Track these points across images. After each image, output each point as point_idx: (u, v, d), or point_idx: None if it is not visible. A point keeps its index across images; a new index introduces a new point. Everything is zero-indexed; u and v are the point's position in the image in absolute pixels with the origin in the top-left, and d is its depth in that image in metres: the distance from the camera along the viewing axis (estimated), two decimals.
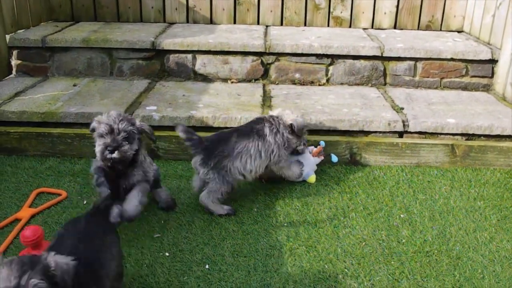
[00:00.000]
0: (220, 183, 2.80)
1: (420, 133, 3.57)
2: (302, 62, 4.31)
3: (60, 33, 4.45)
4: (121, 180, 2.53)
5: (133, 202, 2.46)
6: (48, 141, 3.43)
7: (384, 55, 4.26)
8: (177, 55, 4.30)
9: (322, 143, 3.37)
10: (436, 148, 3.43)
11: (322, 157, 3.30)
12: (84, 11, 5.02)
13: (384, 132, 3.58)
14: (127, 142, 2.44)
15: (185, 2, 4.99)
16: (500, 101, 4.01)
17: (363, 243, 2.62)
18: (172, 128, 3.52)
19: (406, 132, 3.57)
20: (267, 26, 5.02)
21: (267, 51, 4.26)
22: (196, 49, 4.27)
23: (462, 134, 3.57)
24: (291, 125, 3.03)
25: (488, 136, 3.56)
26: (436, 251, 2.56)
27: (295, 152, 3.18)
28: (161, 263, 2.43)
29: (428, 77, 4.33)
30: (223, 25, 4.99)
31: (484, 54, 4.23)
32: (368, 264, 2.46)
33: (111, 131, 2.41)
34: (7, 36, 4.26)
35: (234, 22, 5.04)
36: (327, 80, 4.34)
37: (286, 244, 2.59)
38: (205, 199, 2.81)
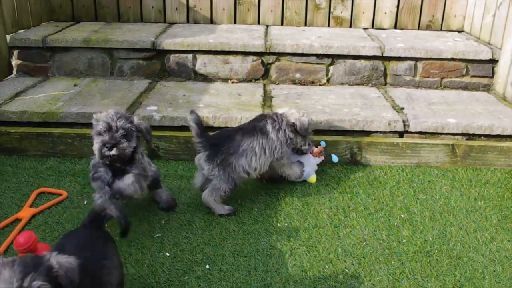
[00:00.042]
0: (225, 180, 2.80)
1: (420, 133, 3.57)
2: (302, 62, 4.31)
3: (61, 33, 4.45)
4: (119, 177, 2.53)
5: (126, 180, 2.49)
6: (49, 141, 3.43)
7: (385, 55, 4.26)
8: (177, 55, 4.30)
9: (323, 143, 3.37)
10: (436, 148, 3.44)
11: (323, 157, 3.30)
12: (85, 11, 5.02)
13: (384, 132, 3.58)
14: (125, 140, 2.44)
15: (185, 2, 4.99)
16: (500, 101, 4.01)
17: (364, 243, 2.62)
18: (172, 128, 3.53)
19: (407, 132, 3.57)
20: (267, 26, 5.02)
21: (268, 51, 4.26)
22: (196, 49, 4.27)
23: (462, 134, 3.57)
24: (293, 124, 3.04)
25: (489, 136, 3.56)
26: (436, 251, 2.57)
27: (300, 152, 3.19)
28: (161, 263, 2.43)
29: (428, 77, 4.33)
30: (223, 25, 4.99)
31: (485, 54, 4.23)
32: (368, 264, 2.46)
33: (109, 128, 2.42)
34: (8, 36, 4.26)
35: (235, 22, 5.04)
36: (328, 80, 4.34)
37: (287, 244, 2.60)
38: (207, 197, 2.81)
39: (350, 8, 5.00)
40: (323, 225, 2.77)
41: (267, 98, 3.95)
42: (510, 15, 4.09)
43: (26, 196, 2.96)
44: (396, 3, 4.98)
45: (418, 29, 5.03)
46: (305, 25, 5.05)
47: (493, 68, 4.28)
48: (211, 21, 5.04)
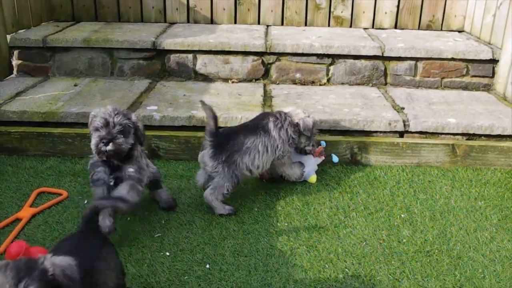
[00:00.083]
0: (228, 178, 2.79)
1: (420, 133, 3.57)
2: (303, 62, 4.31)
3: (61, 33, 4.45)
4: (116, 173, 2.53)
5: (123, 189, 2.46)
6: (49, 141, 3.43)
7: (385, 55, 4.26)
8: (177, 55, 4.30)
9: (323, 143, 3.37)
10: (436, 148, 3.43)
11: (323, 157, 3.30)
12: (85, 11, 5.02)
13: (384, 132, 3.58)
14: (122, 135, 2.44)
15: (185, 2, 4.99)
16: (500, 101, 4.01)
17: (364, 243, 2.62)
18: (173, 128, 3.53)
19: (407, 132, 3.57)
20: (267, 26, 5.02)
21: (268, 51, 4.26)
22: (196, 49, 4.27)
23: (462, 134, 3.57)
24: (297, 124, 3.04)
25: (489, 136, 3.56)
26: (436, 251, 2.56)
27: (303, 152, 3.19)
28: (161, 263, 2.43)
29: (428, 77, 4.33)
30: (223, 25, 4.99)
31: (485, 54, 4.23)
32: (368, 263, 2.46)
33: (106, 124, 2.42)
34: (8, 36, 4.26)
35: (235, 22, 5.04)
36: (328, 80, 4.34)
37: (287, 244, 2.60)
38: (209, 195, 2.81)
39: (351, 8, 5.00)
40: (323, 225, 2.77)
41: (267, 98, 3.95)
42: (511, 15, 4.09)
43: (26, 195, 2.96)
44: (397, 3, 4.98)
45: (419, 29, 5.03)
46: (306, 25, 5.05)
47: (493, 68, 4.28)
48: (212, 21, 5.04)
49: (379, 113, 3.66)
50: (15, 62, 4.34)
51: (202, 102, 2.80)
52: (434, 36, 4.72)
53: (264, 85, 4.25)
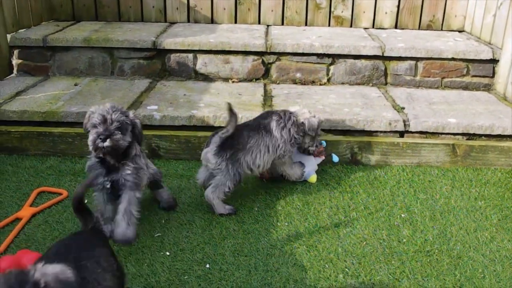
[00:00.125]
0: (230, 176, 2.79)
1: (421, 132, 3.57)
2: (303, 62, 4.31)
3: (61, 32, 4.46)
4: (113, 174, 2.51)
5: (121, 226, 2.48)
6: (49, 140, 3.43)
7: (385, 54, 4.25)
8: (178, 54, 4.30)
9: (323, 143, 3.37)
10: (437, 147, 3.43)
11: (323, 157, 3.30)
12: (85, 11, 5.02)
13: (385, 132, 3.58)
14: (119, 132, 2.43)
15: (186, 2, 4.99)
16: (501, 101, 4.01)
17: (364, 243, 2.62)
18: (173, 127, 3.53)
19: (407, 131, 3.57)
20: (268, 25, 5.02)
21: (268, 51, 4.26)
22: (197, 48, 4.27)
23: (463, 134, 3.56)
24: (302, 124, 3.04)
25: (489, 136, 3.56)
26: (436, 251, 2.56)
27: (306, 152, 3.19)
28: (161, 262, 2.43)
29: (429, 76, 4.33)
30: (224, 24, 4.99)
31: (485, 53, 4.23)
32: (368, 263, 2.46)
33: (104, 121, 2.42)
34: (8, 36, 4.26)
35: (235, 22, 5.04)
36: (328, 80, 4.34)
37: (287, 244, 2.60)
38: (210, 193, 2.80)
39: (351, 8, 5.00)
40: (323, 224, 2.77)
41: (267, 97, 3.95)
42: (511, 15, 4.09)
43: (26, 195, 2.96)
44: (397, 3, 4.97)
45: (419, 29, 5.03)
46: (306, 24, 5.05)
47: (493, 68, 4.28)
48: (212, 21, 5.04)
49: (380, 113, 3.66)
50: (15, 61, 4.35)
51: (229, 106, 2.74)
52: (435, 36, 4.72)
53: (265, 85, 4.25)
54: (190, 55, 4.30)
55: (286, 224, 2.77)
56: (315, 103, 3.81)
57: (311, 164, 3.22)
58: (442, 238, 2.67)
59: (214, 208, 2.81)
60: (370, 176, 3.29)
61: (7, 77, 4.27)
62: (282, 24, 5.06)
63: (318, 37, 4.48)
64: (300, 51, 4.25)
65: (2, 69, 4.22)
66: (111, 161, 2.51)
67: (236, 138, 2.83)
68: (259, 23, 5.05)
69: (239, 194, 3.02)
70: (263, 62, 4.31)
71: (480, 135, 3.56)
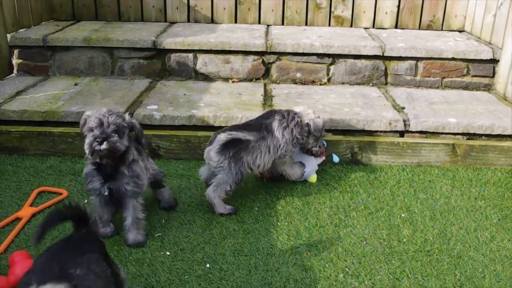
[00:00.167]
0: (233, 174, 2.80)
1: (421, 132, 3.57)
2: (303, 62, 4.31)
3: (61, 32, 4.46)
4: (110, 182, 2.50)
5: (132, 232, 2.55)
6: (49, 140, 3.43)
7: (385, 54, 4.25)
8: (178, 54, 4.30)
9: (324, 143, 3.37)
10: (437, 147, 3.43)
11: (324, 157, 3.30)
12: (85, 10, 5.02)
13: (385, 132, 3.58)
14: (116, 135, 2.42)
15: (186, 2, 4.99)
16: (501, 101, 4.01)
17: (364, 242, 2.62)
18: (173, 127, 3.53)
19: (407, 131, 3.57)
20: (268, 25, 5.02)
21: (268, 51, 4.26)
22: (197, 48, 4.27)
23: (463, 134, 3.56)
24: (307, 125, 3.04)
25: (489, 136, 3.56)
26: (437, 250, 2.56)
27: (310, 153, 3.19)
28: (162, 262, 2.43)
29: (429, 76, 4.33)
30: (224, 24, 4.99)
31: (485, 53, 4.23)
32: (369, 263, 2.46)
33: (100, 124, 2.40)
34: (8, 35, 4.26)
35: (235, 22, 5.04)
36: (328, 80, 4.34)
37: (287, 243, 2.59)
38: (212, 192, 2.80)
39: (351, 7, 5.00)
40: (323, 224, 2.77)
41: (267, 97, 3.95)
42: (511, 15, 4.08)
43: (27, 195, 2.96)
44: (397, 3, 4.97)
45: (419, 28, 5.03)
46: (306, 24, 5.05)
47: (494, 68, 4.28)
48: (212, 21, 5.04)
49: (380, 112, 3.66)
50: (15, 61, 4.34)
51: None
52: (435, 36, 4.72)
53: (265, 85, 4.25)
54: (190, 55, 4.30)
55: (286, 224, 2.77)
56: (315, 103, 3.81)
57: (312, 165, 3.22)
58: (442, 237, 2.67)
59: (214, 207, 2.81)
60: (370, 176, 3.29)
61: (7, 77, 4.27)
62: (282, 24, 5.06)
63: (318, 37, 4.48)
64: (300, 51, 4.25)
65: (2, 68, 4.22)
66: (108, 168, 2.48)
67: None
68: (259, 23, 5.05)
69: (239, 194, 3.02)
70: (263, 62, 4.31)
71: (480, 135, 3.56)
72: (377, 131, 3.57)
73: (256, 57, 4.29)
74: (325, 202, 2.98)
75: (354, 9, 5.01)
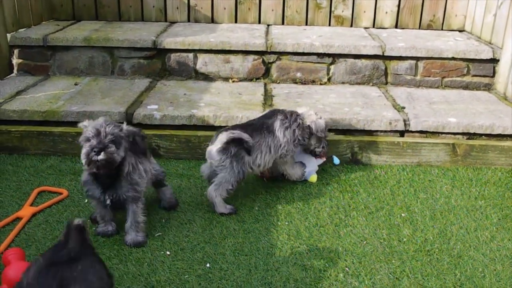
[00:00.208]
0: (234, 173, 2.80)
1: (421, 132, 3.57)
2: (303, 61, 4.31)
3: (61, 32, 4.46)
4: (109, 191, 2.49)
5: (131, 234, 2.55)
6: (49, 139, 3.43)
7: (386, 54, 4.25)
8: (178, 54, 4.30)
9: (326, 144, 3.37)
10: (437, 147, 3.43)
11: (325, 158, 3.30)
12: (86, 10, 5.02)
13: (385, 131, 3.58)
14: (113, 145, 2.40)
15: (186, 1, 4.99)
16: (501, 101, 4.01)
17: (364, 242, 2.62)
18: (173, 127, 3.53)
19: (407, 131, 3.57)
20: (268, 25, 5.02)
21: (269, 50, 4.26)
22: (197, 48, 4.27)
23: (463, 133, 3.56)
24: (308, 127, 3.05)
25: (489, 135, 3.56)
26: (437, 250, 2.56)
27: (313, 153, 3.20)
28: (162, 262, 2.43)
29: (429, 76, 4.33)
30: (224, 24, 4.99)
31: (486, 53, 4.23)
32: (369, 262, 2.46)
33: (97, 134, 2.38)
34: (8, 35, 4.26)
35: (236, 21, 5.04)
36: (329, 79, 4.34)
37: (287, 243, 2.59)
38: (213, 191, 2.80)
39: (351, 7, 5.00)
40: (323, 224, 2.77)
41: (268, 97, 3.95)
42: (511, 15, 4.08)
43: (27, 194, 2.96)
44: (397, 3, 4.97)
45: (419, 28, 5.03)
46: (306, 24, 5.05)
47: (494, 67, 4.28)
48: (212, 20, 5.04)
49: (380, 112, 3.66)
50: (15, 61, 4.35)
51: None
52: (435, 36, 4.72)
53: (265, 84, 4.25)
54: (191, 55, 4.30)
55: (287, 223, 2.77)
56: (316, 103, 3.81)
57: (312, 164, 3.22)
58: (442, 237, 2.67)
59: (215, 206, 2.81)
60: (370, 176, 3.29)
61: (7, 77, 4.27)
62: (283, 23, 5.06)
63: (318, 37, 4.48)
64: (301, 50, 4.25)
65: (2, 68, 4.22)
66: (106, 180, 2.47)
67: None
68: (259, 22, 5.05)
69: (240, 193, 3.02)
70: (263, 61, 4.31)
71: (480, 135, 3.56)
72: (377, 131, 3.57)
73: (256, 57, 4.29)
74: (325, 202, 2.98)
75: (354, 8, 5.01)
